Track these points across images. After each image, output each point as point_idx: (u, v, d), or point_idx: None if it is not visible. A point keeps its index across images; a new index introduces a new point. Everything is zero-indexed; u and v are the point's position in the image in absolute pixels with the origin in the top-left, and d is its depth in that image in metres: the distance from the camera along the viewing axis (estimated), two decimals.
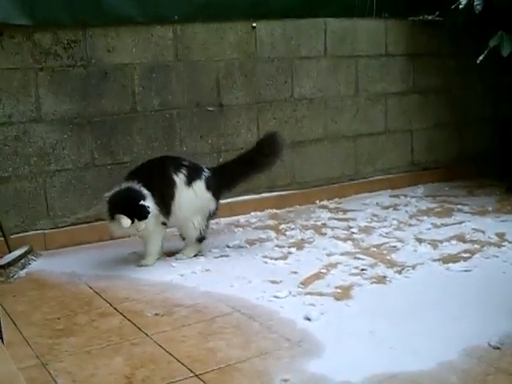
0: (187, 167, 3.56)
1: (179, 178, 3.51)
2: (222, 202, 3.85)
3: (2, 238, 3.65)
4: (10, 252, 3.63)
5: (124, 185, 3.39)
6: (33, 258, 3.72)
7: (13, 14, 3.70)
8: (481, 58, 4.56)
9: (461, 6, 4.66)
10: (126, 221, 3.23)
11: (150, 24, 4.17)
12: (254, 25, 4.54)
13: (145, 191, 3.36)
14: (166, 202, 3.48)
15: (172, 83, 4.29)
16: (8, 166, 3.83)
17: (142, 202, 3.28)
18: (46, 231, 3.97)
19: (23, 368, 2.33)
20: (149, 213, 3.29)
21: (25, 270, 3.57)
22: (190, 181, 3.53)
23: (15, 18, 3.71)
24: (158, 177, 3.50)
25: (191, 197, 3.53)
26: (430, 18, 5.33)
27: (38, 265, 3.68)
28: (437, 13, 5.28)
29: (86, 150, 4.05)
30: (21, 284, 3.39)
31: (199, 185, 3.56)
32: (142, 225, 3.30)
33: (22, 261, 3.62)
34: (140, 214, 3.28)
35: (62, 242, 3.98)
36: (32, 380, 2.25)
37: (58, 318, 2.87)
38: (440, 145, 5.67)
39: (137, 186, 3.36)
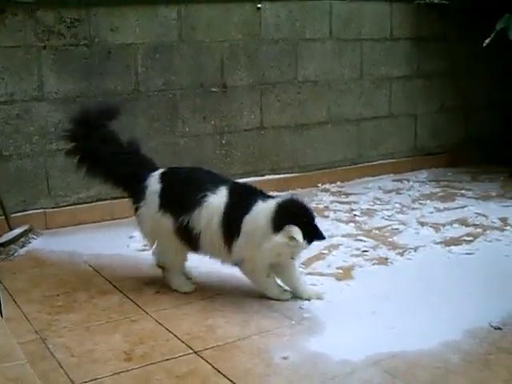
0: None
1: None
2: None
3: (3, 217, 3.63)
4: (10, 230, 3.62)
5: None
6: (33, 236, 3.71)
7: None
8: (487, 40, 4.51)
9: None
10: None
11: (154, 4, 4.13)
12: (259, 6, 4.49)
13: None
14: None
15: (175, 63, 4.26)
16: (9, 145, 3.80)
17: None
18: (46, 210, 3.95)
19: (22, 342, 2.31)
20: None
21: (25, 249, 3.56)
22: None
23: None
24: None
25: None
26: (436, 1, 5.28)
27: (38, 243, 3.66)
28: None
29: None
30: (21, 262, 3.38)
31: None
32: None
33: (22, 239, 3.61)
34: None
35: (62, 221, 3.96)
36: (31, 354, 2.24)
37: (58, 295, 2.86)
38: (444, 130, 5.64)
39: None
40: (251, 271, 2.74)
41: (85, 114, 3.07)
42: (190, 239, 2.77)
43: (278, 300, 2.73)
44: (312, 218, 2.65)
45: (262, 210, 2.64)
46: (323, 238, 2.67)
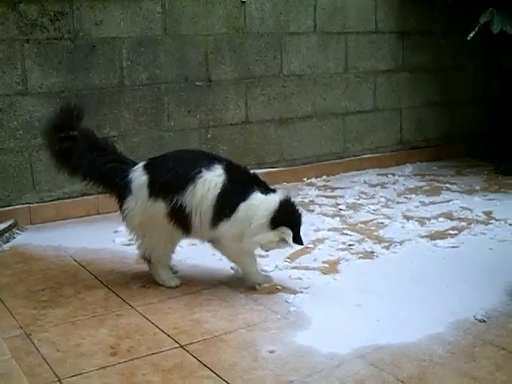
0: None
1: None
2: None
3: None
4: None
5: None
6: (18, 231, 3.69)
7: None
8: (472, 34, 4.52)
9: None
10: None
11: None
12: None
13: None
14: None
15: (160, 57, 4.24)
16: None
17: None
18: (31, 205, 3.92)
19: (6, 338, 2.31)
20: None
21: (9, 244, 3.54)
22: None
23: None
24: None
25: None
26: None
27: (23, 238, 3.64)
28: None
29: None
30: (5, 257, 3.35)
31: None
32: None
33: (7, 234, 3.59)
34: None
35: (47, 216, 3.94)
36: (15, 349, 2.23)
37: (43, 290, 2.85)
38: (429, 124, 5.66)
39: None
40: (233, 252, 2.82)
41: (54, 120, 2.94)
42: (183, 219, 2.73)
43: (255, 278, 2.83)
44: (301, 224, 2.78)
45: (264, 202, 2.70)
46: (302, 243, 2.80)
